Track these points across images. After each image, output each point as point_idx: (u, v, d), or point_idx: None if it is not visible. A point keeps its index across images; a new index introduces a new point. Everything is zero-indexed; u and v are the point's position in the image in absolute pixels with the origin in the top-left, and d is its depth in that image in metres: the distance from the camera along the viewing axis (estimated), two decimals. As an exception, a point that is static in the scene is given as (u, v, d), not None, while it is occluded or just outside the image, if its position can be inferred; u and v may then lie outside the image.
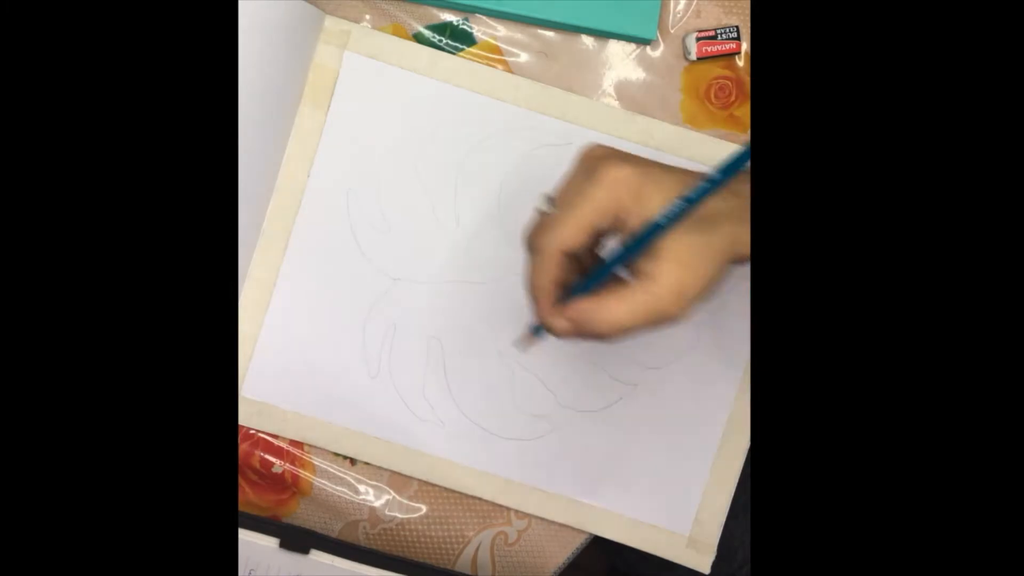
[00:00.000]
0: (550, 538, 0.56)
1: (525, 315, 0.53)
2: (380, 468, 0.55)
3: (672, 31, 0.53)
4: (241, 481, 0.55)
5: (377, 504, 0.55)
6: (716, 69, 0.53)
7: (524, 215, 0.53)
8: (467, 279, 0.54)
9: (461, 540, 0.55)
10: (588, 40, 0.53)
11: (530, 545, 0.56)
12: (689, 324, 0.54)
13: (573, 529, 0.55)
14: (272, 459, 0.55)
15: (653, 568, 0.56)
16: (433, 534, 0.55)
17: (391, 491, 0.55)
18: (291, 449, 0.55)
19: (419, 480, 0.55)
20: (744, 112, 0.54)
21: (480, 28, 0.53)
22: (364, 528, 0.55)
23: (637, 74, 0.54)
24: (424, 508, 0.55)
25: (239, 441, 0.54)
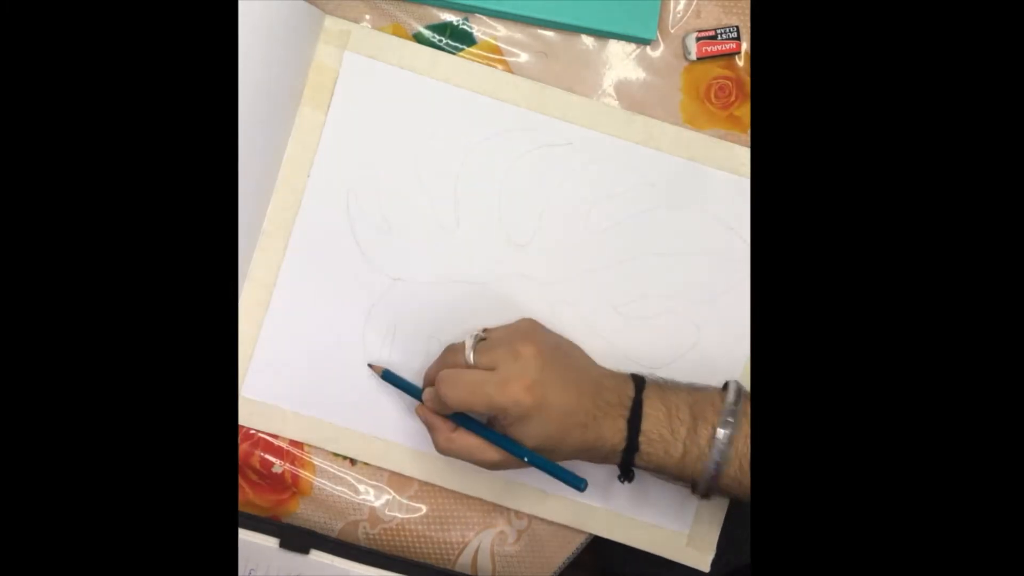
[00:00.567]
0: (550, 538, 0.56)
1: (525, 315, 0.53)
2: (380, 468, 0.55)
3: (672, 31, 0.53)
4: (241, 481, 0.55)
5: (377, 504, 0.55)
6: (716, 69, 0.53)
7: (524, 215, 0.54)
8: (467, 279, 0.54)
9: (461, 540, 0.55)
10: (588, 40, 0.53)
11: (530, 545, 0.55)
12: (689, 324, 0.54)
13: (573, 529, 0.55)
14: (272, 459, 0.55)
15: (652, 567, 0.56)
16: (433, 534, 0.55)
17: (391, 491, 0.55)
18: (291, 449, 0.55)
19: (419, 480, 0.55)
20: (744, 112, 0.54)
21: (480, 28, 0.53)
22: (364, 528, 0.55)
23: (637, 74, 0.54)
24: (424, 508, 0.55)
25: (239, 441, 0.54)
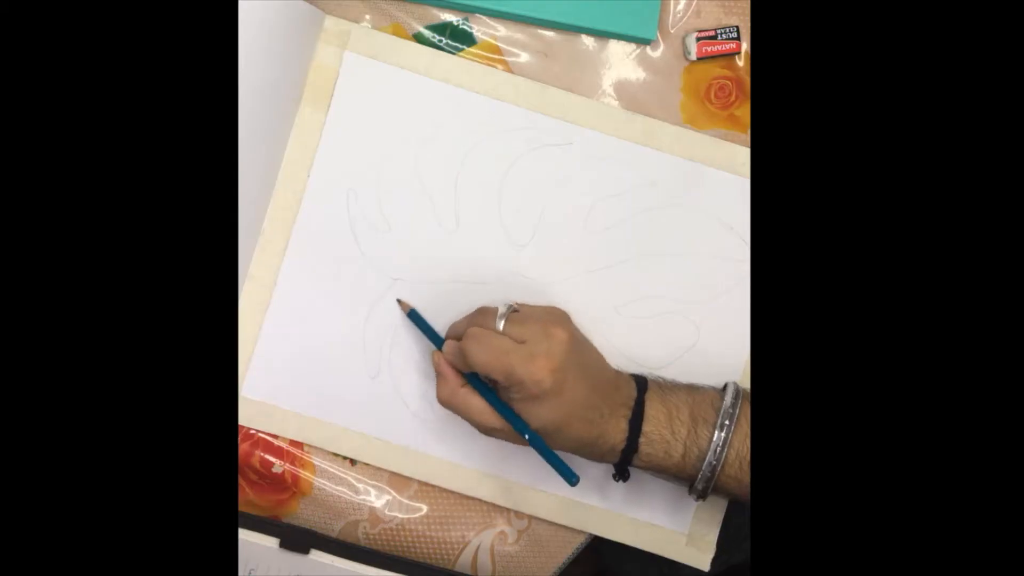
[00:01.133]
0: (550, 538, 0.56)
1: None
2: (380, 468, 0.55)
3: (672, 31, 0.53)
4: (241, 481, 0.55)
5: (377, 504, 0.55)
6: (716, 69, 0.53)
7: (524, 215, 0.54)
8: (467, 279, 0.54)
9: (461, 540, 0.55)
10: (588, 40, 0.53)
11: (530, 545, 0.56)
12: (689, 324, 0.54)
13: (573, 529, 0.55)
14: (272, 459, 0.55)
15: (652, 567, 0.56)
16: (433, 534, 0.55)
17: (391, 491, 0.55)
18: (291, 449, 0.55)
19: (419, 480, 0.55)
20: (744, 112, 0.54)
21: (480, 28, 0.53)
22: (364, 528, 0.55)
23: (637, 74, 0.54)
24: (424, 508, 0.55)
25: (239, 441, 0.54)
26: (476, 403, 0.48)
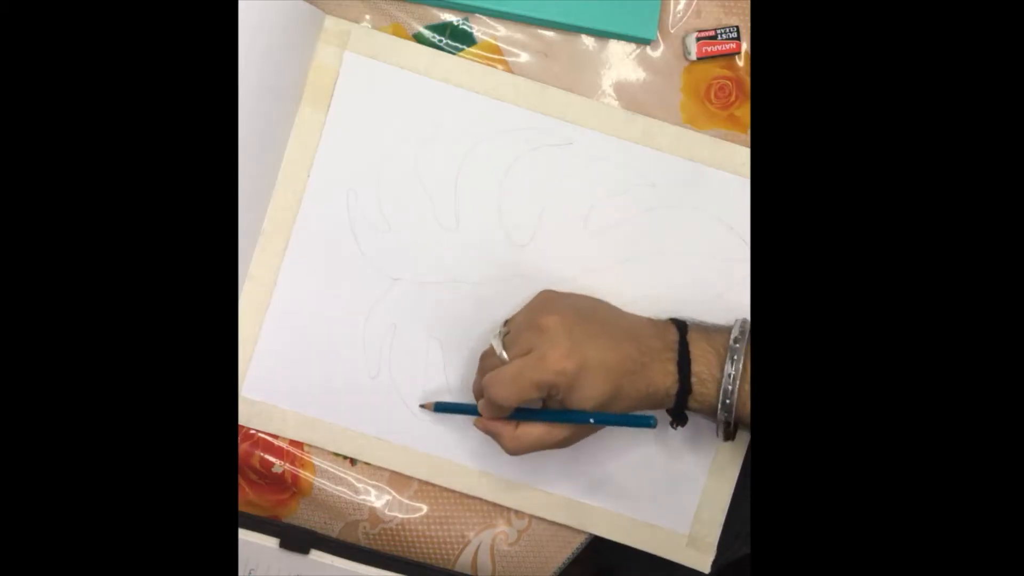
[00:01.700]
0: (550, 538, 0.56)
1: (525, 315, 0.53)
2: (380, 468, 0.55)
3: (672, 31, 0.53)
4: (241, 481, 0.55)
5: (377, 504, 0.55)
6: (716, 69, 0.53)
7: (524, 215, 0.54)
8: (467, 279, 0.54)
9: (461, 540, 0.55)
10: (588, 40, 0.53)
11: (530, 545, 0.55)
12: (689, 324, 0.54)
13: (573, 529, 0.55)
14: (272, 459, 0.55)
15: (652, 568, 0.56)
16: (433, 534, 0.55)
17: (391, 491, 0.55)
18: (291, 449, 0.55)
19: (419, 480, 0.55)
20: (744, 112, 0.54)
21: (480, 28, 0.53)
22: (364, 528, 0.55)
23: (637, 74, 0.54)
24: (424, 508, 0.55)
25: (239, 441, 0.54)
26: (538, 432, 0.48)
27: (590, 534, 0.55)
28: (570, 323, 0.46)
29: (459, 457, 0.54)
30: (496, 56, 0.53)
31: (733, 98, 0.53)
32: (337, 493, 0.55)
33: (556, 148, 0.53)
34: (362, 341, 0.54)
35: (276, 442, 0.55)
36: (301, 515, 0.55)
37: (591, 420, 0.46)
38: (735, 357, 0.45)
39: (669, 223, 0.53)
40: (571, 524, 0.55)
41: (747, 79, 0.53)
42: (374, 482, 0.55)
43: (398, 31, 0.53)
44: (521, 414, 0.48)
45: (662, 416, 0.50)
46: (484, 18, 0.53)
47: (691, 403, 0.47)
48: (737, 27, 0.53)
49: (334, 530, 0.55)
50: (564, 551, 0.56)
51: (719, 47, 0.53)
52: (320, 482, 0.55)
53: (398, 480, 0.55)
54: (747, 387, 0.45)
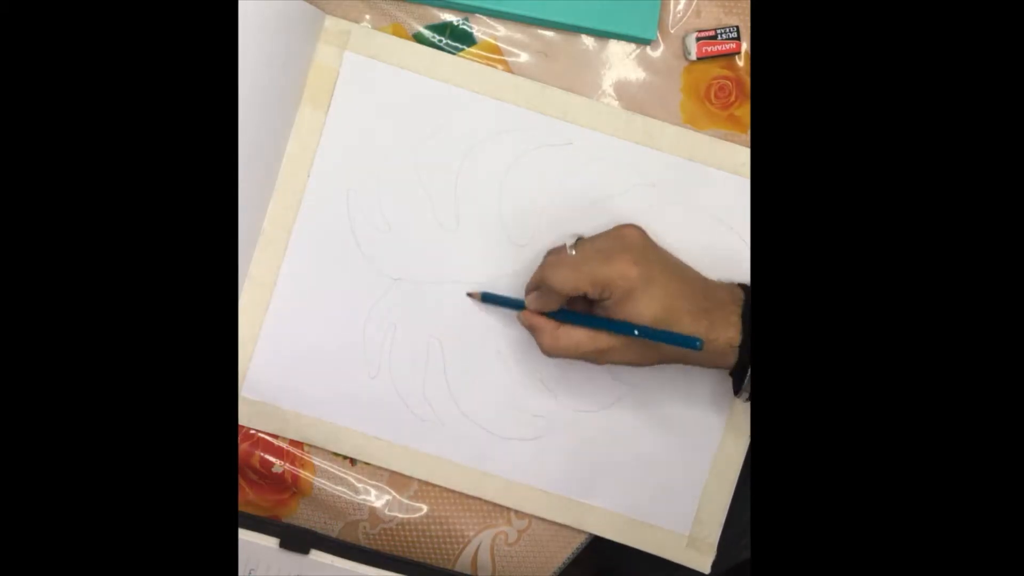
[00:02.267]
0: (550, 538, 0.56)
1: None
2: (380, 468, 0.55)
3: (672, 31, 0.53)
4: (241, 481, 0.55)
5: (377, 504, 0.55)
6: (716, 69, 0.53)
7: (524, 215, 0.54)
8: (467, 279, 0.54)
9: (461, 540, 0.55)
10: (588, 40, 0.53)
11: (530, 545, 0.55)
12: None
13: (573, 529, 0.55)
14: (272, 459, 0.55)
15: (652, 568, 0.56)
16: (433, 534, 0.55)
17: (391, 491, 0.55)
18: (291, 449, 0.55)
19: (419, 480, 0.55)
20: (744, 112, 0.54)
21: (480, 28, 0.53)
22: (364, 528, 0.55)
23: (637, 74, 0.54)
24: (424, 508, 0.55)
25: (239, 441, 0.54)
26: (579, 334, 0.47)
27: (590, 534, 0.55)
28: (648, 243, 0.47)
29: (459, 457, 0.54)
30: (496, 56, 0.53)
31: (733, 98, 0.53)
32: (337, 493, 0.55)
33: (556, 148, 0.53)
34: (362, 341, 0.54)
35: (276, 442, 0.55)
36: (301, 515, 0.55)
37: (635, 332, 0.45)
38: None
39: (669, 223, 0.53)
40: (571, 524, 0.55)
41: (747, 79, 0.53)
42: (374, 482, 0.55)
43: (398, 31, 0.53)
44: (565, 316, 0.48)
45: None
46: (484, 18, 0.53)
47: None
48: (737, 27, 0.53)
49: (334, 530, 0.55)
50: (564, 551, 0.56)
51: (719, 47, 0.53)
52: (320, 482, 0.55)
53: (398, 480, 0.55)
54: None
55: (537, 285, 0.49)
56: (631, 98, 0.53)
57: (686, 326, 0.45)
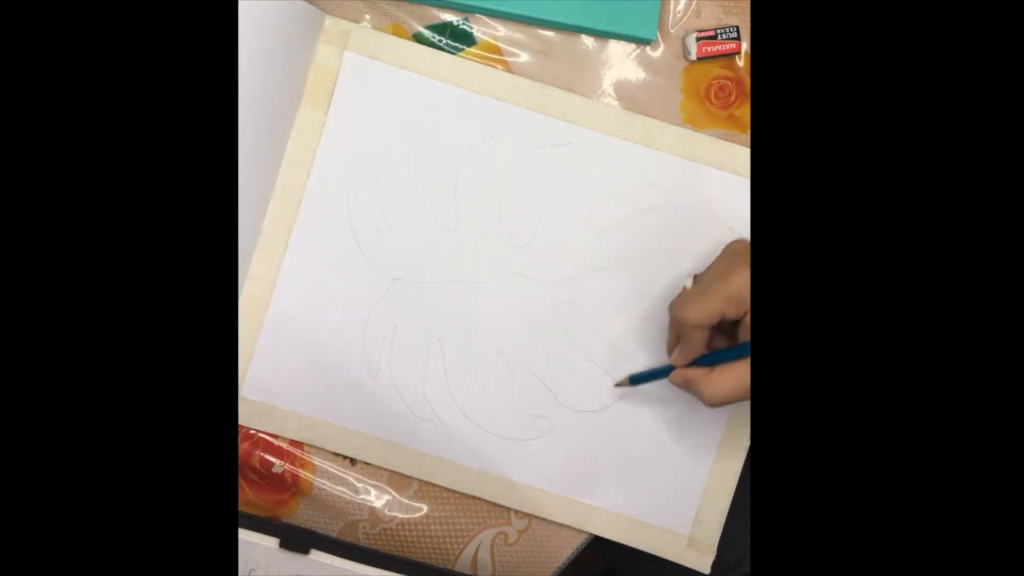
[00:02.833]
0: (550, 538, 0.56)
1: (525, 315, 0.53)
2: (380, 468, 0.55)
3: (672, 31, 0.53)
4: (241, 481, 0.55)
5: (377, 504, 0.55)
6: (716, 69, 0.53)
7: (524, 215, 0.54)
8: (467, 279, 0.54)
9: (461, 540, 0.55)
10: (588, 40, 0.53)
11: (530, 545, 0.56)
12: (689, 324, 0.54)
13: (573, 529, 0.55)
14: (272, 459, 0.55)
15: (652, 568, 0.56)
16: (433, 534, 0.55)
17: (391, 491, 0.55)
18: (291, 449, 0.55)
19: (419, 480, 0.55)
20: (744, 112, 0.54)
21: (480, 28, 0.53)
22: (364, 528, 0.55)
23: (637, 74, 0.54)
24: (424, 508, 0.55)
25: (239, 441, 0.54)
26: (736, 372, 0.45)
27: (590, 534, 0.55)
28: None
29: (459, 457, 0.54)
30: (496, 56, 0.53)
31: (733, 98, 0.53)
32: (337, 493, 0.55)
33: (556, 148, 0.53)
34: (362, 341, 0.54)
35: (276, 442, 0.55)
36: (301, 515, 0.55)
37: None
38: None
39: (669, 223, 0.53)
40: (571, 524, 0.55)
41: (747, 79, 0.53)
42: (374, 482, 0.55)
43: (398, 31, 0.53)
44: (714, 356, 0.47)
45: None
46: (484, 18, 0.53)
47: None
48: (737, 27, 0.53)
49: (334, 530, 0.55)
50: (564, 551, 0.56)
51: (719, 47, 0.53)
52: (320, 482, 0.55)
53: (398, 480, 0.55)
54: None
55: (676, 339, 0.48)
56: (631, 98, 0.53)
57: None
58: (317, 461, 0.55)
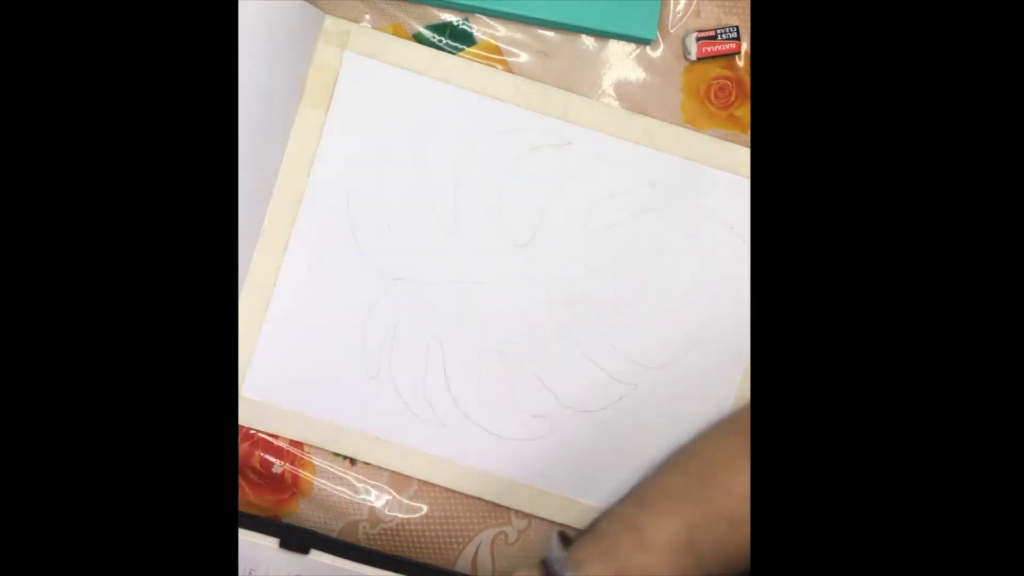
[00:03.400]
0: (550, 538, 0.55)
1: (525, 315, 0.53)
2: (380, 468, 0.55)
3: (672, 31, 0.53)
4: (241, 481, 0.55)
5: (377, 504, 0.55)
6: (716, 69, 0.53)
7: (524, 215, 0.54)
8: (467, 279, 0.54)
9: (461, 540, 0.55)
10: (588, 40, 0.54)
11: (530, 545, 0.56)
12: (690, 324, 0.54)
13: (573, 529, 0.55)
14: (272, 459, 0.55)
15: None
16: (433, 534, 0.55)
17: (391, 491, 0.55)
18: (291, 449, 0.55)
19: (419, 480, 0.55)
20: (744, 112, 0.54)
21: (480, 28, 0.53)
22: (364, 528, 0.55)
23: (637, 74, 0.54)
24: (424, 508, 0.55)
25: (239, 441, 0.54)
26: None
27: (590, 534, 0.55)
28: None
29: (459, 457, 0.54)
30: (496, 56, 0.53)
31: (733, 98, 0.53)
32: (337, 493, 0.55)
33: (556, 148, 0.53)
34: (362, 341, 0.54)
35: (276, 442, 0.55)
36: (301, 515, 0.55)
37: None
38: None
39: (669, 223, 0.53)
40: (571, 524, 0.55)
41: (747, 79, 0.53)
42: (374, 482, 0.55)
43: (398, 31, 0.53)
44: None
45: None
46: (484, 18, 0.53)
47: None
48: (737, 27, 0.53)
49: (334, 530, 0.55)
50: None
51: (719, 47, 0.53)
52: (320, 482, 0.55)
53: (398, 480, 0.55)
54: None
55: None
56: (631, 98, 0.53)
57: None
58: (317, 461, 0.55)
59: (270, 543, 0.52)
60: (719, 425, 0.52)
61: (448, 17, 0.53)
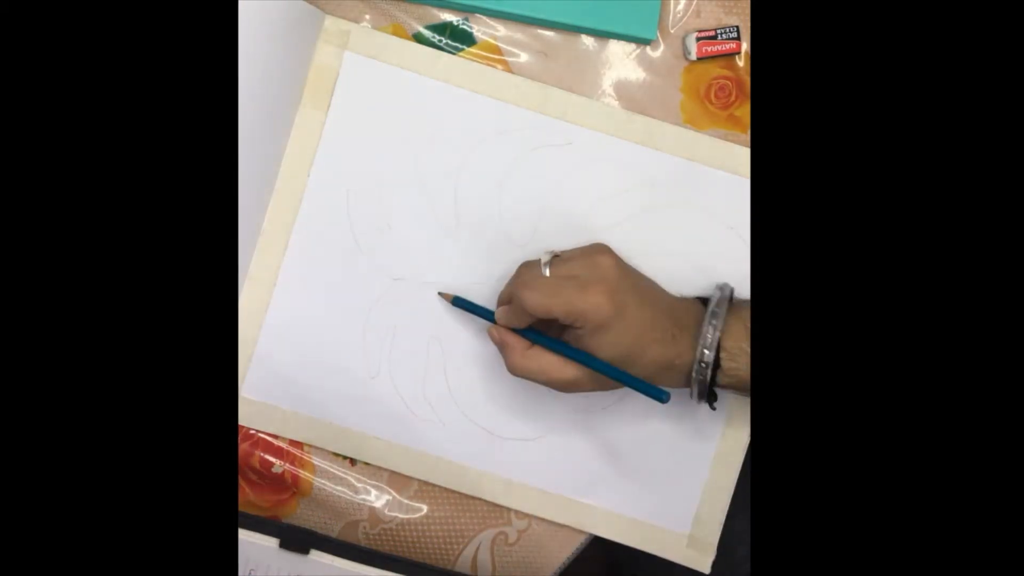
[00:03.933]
0: (550, 538, 0.56)
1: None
2: (380, 468, 0.55)
3: (672, 31, 0.53)
4: (241, 481, 0.55)
5: (377, 504, 0.55)
6: (716, 69, 0.53)
7: (524, 215, 0.54)
8: (467, 279, 0.54)
9: (461, 540, 0.55)
10: (588, 40, 0.53)
11: (530, 545, 0.55)
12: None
13: (573, 529, 0.55)
14: (272, 459, 0.55)
15: (653, 568, 0.56)
16: (433, 534, 0.55)
17: (391, 491, 0.55)
18: (291, 449, 0.55)
19: (419, 480, 0.55)
20: (744, 112, 0.54)
21: (480, 28, 0.53)
22: (364, 528, 0.55)
23: (637, 74, 0.54)
24: (424, 508, 0.55)
25: (239, 441, 0.54)
26: (548, 359, 0.47)
27: (590, 534, 0.55)
28: (622, 271, 0.47)
29: (459, 457, 0.54)
30: (496, 56, 0.53)
31: (733, 98, 0.53)
32: (337, 493, 0.55)
33: (556, 148, 0.53)
34: (362, 341, 0.54)
35: (276, 442, 0.55)
36: (301, 515, 0.55)
37: (606, 371, 0.46)
38: (714, 322, 0.46)
39: (669, 223, 0.53)
40: (571, 524, 0.55)
41: (747, 79, 0.53)
42: (374, 482, 0.55)
43: (398, 31, 0.53)
44: (536, 336, 0.48)
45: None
46: (484, 18, 0.53)
47: (721, 379, 0.46)
48: (737, 27, 0.53)
49: (334, 530, 0.55)
50: (564, 551, 0.56)
51: (719, 47, 0.53)
52: (320, 482, 0.55)
53: (398, 480, 0.55)
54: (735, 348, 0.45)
55: (508, 299, 0.49)
56: (631, 98, 0.53)
57: (651, 354, 0.46)
58: (317, 461, 0.55)
59: (270, 543, 0.52)
60: None
61: (448, 17, 0.53)
